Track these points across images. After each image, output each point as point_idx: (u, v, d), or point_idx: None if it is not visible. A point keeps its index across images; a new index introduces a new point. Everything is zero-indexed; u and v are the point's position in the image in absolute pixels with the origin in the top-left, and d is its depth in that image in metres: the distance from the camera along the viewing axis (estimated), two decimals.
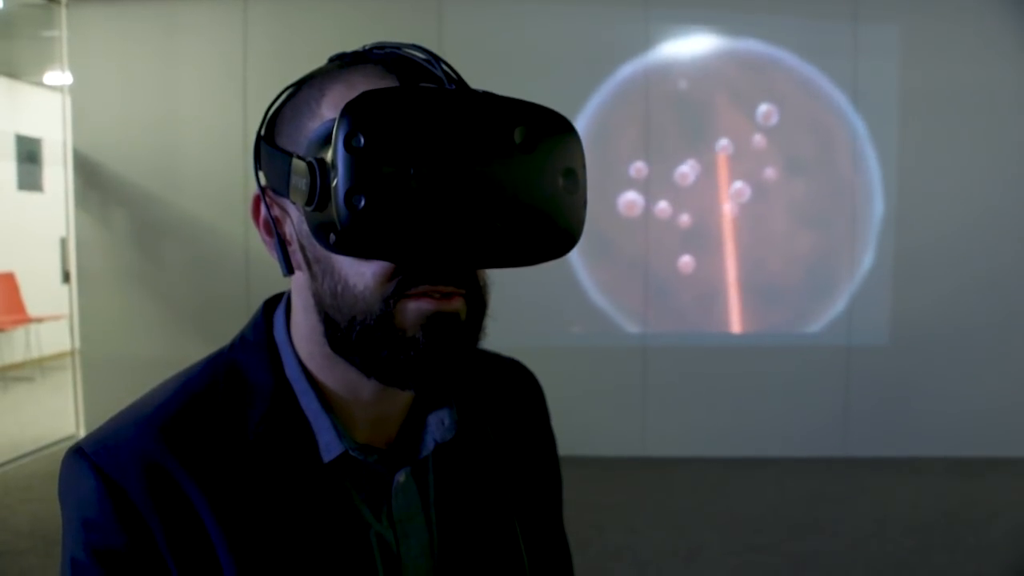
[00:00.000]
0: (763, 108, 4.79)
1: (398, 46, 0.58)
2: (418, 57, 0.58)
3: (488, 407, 0.72)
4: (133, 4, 4.88)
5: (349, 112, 0.50)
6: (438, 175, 0.51)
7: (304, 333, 0.62)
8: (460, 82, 0.57)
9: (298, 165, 0.54)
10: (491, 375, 0.76)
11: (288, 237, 0.60)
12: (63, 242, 7.14)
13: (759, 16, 4.79)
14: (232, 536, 0.56)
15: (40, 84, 7.80)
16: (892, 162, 4.79)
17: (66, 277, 6.65)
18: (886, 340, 4.85)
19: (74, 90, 5.00)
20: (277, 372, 0.62)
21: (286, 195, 0.57)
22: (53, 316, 7.40)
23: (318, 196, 0.52)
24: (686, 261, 4.84)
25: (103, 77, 4.95)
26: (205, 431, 0.59)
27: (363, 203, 0.49)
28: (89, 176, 4.96)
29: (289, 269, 0.60)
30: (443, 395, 0.66)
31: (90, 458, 0.57)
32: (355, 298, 0.55)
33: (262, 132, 0.62)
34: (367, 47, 0.60)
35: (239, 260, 4.78)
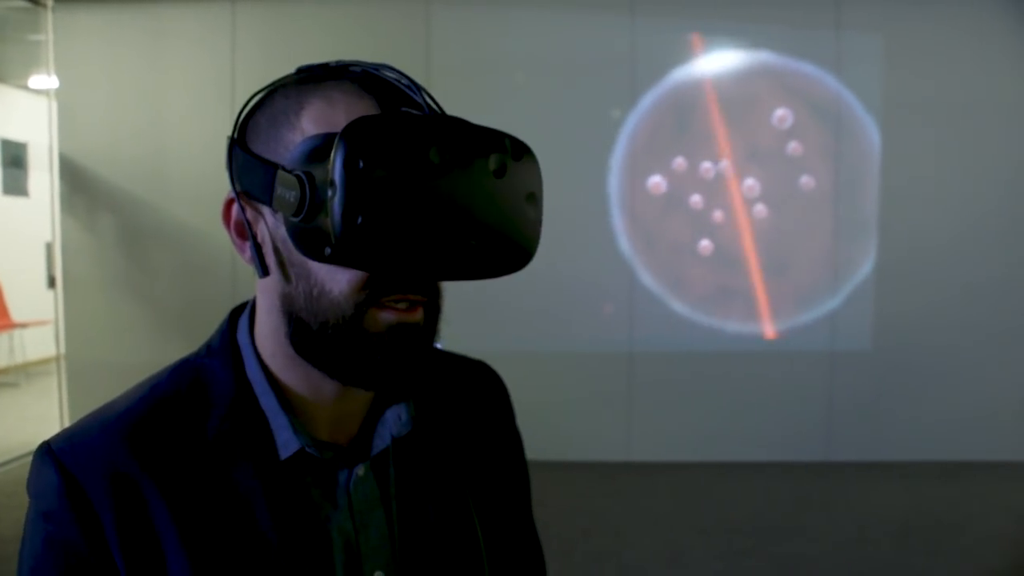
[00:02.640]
0: (747, 117, 4.83)
1: (375, 67, 0.62)
2: (391, 78, 0.62)
3: (449, 405, 0.75)
4: (120, 8, 4.88)
5: (349, 136, 0.53)
6: (424, 196, 0.55)
7: (267, 334, 0.65)
8: (440, 108, 0.62)
9: (286, 177, 0.57)
10: (454, 375, 0.79)
11: (260, 240, 0.63)
12: (49, 247, 7.10)
13: (743, 24, 4.84)
14: (188, 535, 0.59)
15: (25, 88, 7.77)
16: (876, 170, 4.85)
17: (52, 282, 6.62)
18: (869, 346, 4.90)
19: (60, 94, 4.98)
20: (238, 373, 0.66)
21: (265, 202, 0.60)
22: (38, 322, 7.35)
23: (307, 209, 0.55)
24: (670, 269, 4.88)
25: (90, 81, 4.94)
26: (167, 435, 0.62)
27: (360, 220, 0.53)
28: (75, 181, 4.95)
29: (265, 271, 0.63)
30: (401, 392, 0.69)
31: (55, 455, 0.61)
32: (330, 303, 0.59)
33: (235, 136, 0.64)
34: (340, 63, 0.63)
35: (226, 266, 4.77)
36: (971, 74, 4.78)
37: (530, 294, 4.65)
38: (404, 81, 0.61)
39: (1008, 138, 4.82)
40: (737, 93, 4.84)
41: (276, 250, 0.62)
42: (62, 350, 5.08)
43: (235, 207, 0.64)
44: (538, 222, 0.62)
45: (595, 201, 4.79)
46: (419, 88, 0.61)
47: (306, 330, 0.60)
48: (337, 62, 0.63)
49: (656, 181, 4.85)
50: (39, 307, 7.47)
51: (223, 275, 4.77)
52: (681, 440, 4.90)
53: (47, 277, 7.78)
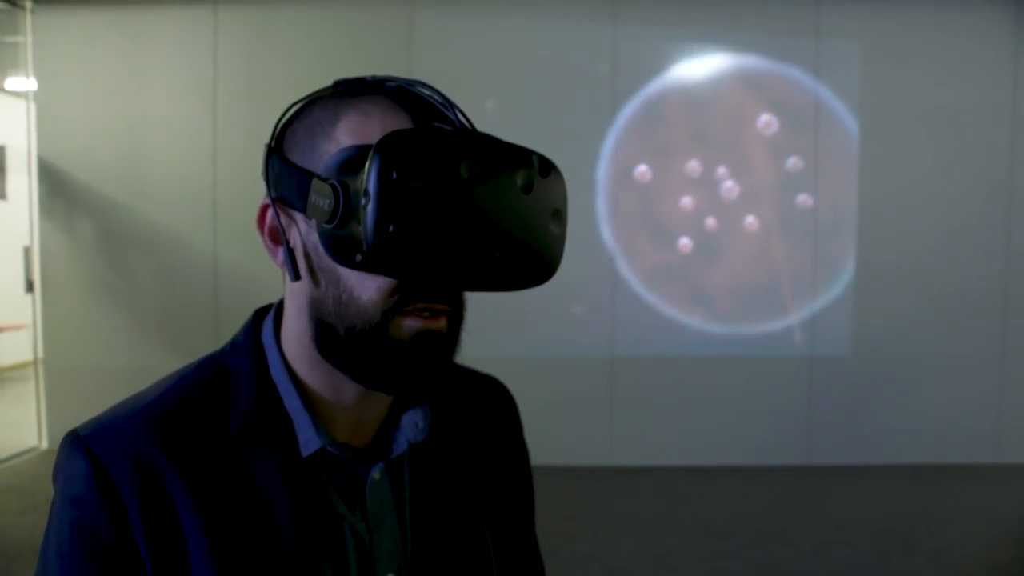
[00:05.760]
0: (724, 124, 4.87)
1: (410, 83, 0.65)
2: (425, 94, 0.64)
3: (463, 416, 0.78)
4: (100, 10, 4.84)
5: (384, 148, 0.55)
6: (453, 209, 0.57)
7: (294, 337, 0.68)
8: (471, 125, 0.64)
9: (320, 186, 0.59)
10: (468, 389, 0.82)
11: (292, 245, 0.65)
12: (27, 251, 7.01)
13: (722, 33, 4.88)
14: (210, 525, 0.61)
15: (3, 90, 7.67)
16: (854, 177, 4.90)
17: (30, 286, 6.54)
18: (847, 351, 4.95)
19: (39, 96, 4.94)
20: (262, 372, 0.68)
21: (299, 208, 0.62)
22: (15, 326, 7.26)
23: (340, 216, 0.58)
24: (651, 275, 4.90)
25: (69, 83, 4.90)
26: (192, 426, 0.64)
27: (392, 229, 0.55)
28: (54, 184, 4.90)
29: (296, 275, 0.64)
30: (421, 397, 0.71)
31: (84, 442, 0.62)
32: (358, 308, 0.61)
33: (272, 145, 0.66)
34: (375, 77, 0.65)
35: (207, 269, 4.71)
36: (949, 80, 4.85)
37: (513, 300, 4.64)
38: (437, 97, 0.63)
39: (986, 144, 4.89)
40: (716, 99, 4.88)
41: (307, 256, 0.64)
42: (40, 354, 5.02)
43: (270, 213, 0.66)
44: (562, 238, 0.65)
45: (575, 211, 4.80)
46: (452, 105, 0.63)
47: (333, 334, 0.63)
48: (373, 77, 0.65)
49: (636, 187, 4.88)
50: (16, 311, 7.37)
51: (204, 278, 4.72)
52: (662, 444, 4.92)
53: (25, 281, 7.69)
